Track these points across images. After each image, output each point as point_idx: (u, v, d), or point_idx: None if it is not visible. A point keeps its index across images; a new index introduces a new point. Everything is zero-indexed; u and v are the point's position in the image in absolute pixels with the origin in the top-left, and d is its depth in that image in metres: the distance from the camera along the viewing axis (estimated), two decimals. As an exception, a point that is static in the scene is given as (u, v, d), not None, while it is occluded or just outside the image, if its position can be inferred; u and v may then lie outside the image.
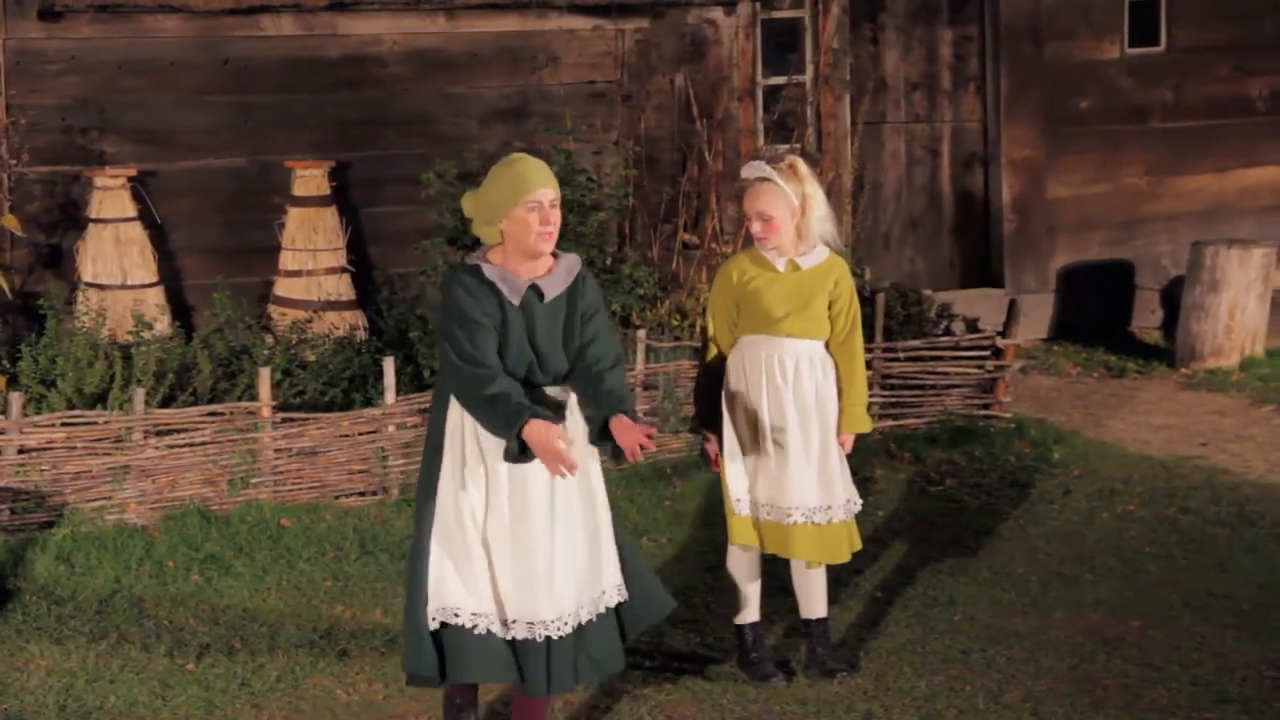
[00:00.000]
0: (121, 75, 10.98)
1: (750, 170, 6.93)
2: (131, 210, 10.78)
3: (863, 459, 9.66)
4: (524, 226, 5.82)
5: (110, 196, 10.73)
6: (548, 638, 5.84)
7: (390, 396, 9.45)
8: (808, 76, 12.55)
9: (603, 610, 5.99)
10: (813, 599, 7.12)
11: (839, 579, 7.79)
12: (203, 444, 9.12)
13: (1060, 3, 13.29)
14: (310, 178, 11.05)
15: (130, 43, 10.98)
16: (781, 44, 12.57)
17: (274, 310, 10.93)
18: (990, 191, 13.32)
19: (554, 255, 5.95)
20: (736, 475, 6.93)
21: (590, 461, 5.98)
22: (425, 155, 11.18)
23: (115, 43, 10.95)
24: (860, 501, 7.05)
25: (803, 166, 6.92)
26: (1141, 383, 12.17)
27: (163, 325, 10.43)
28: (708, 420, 7.05)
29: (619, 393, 5.87)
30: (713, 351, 7.03)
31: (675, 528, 9.04)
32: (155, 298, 10.72)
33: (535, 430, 5.66)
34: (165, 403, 9.55)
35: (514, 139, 11.68)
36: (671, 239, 11.80)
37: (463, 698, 6.08)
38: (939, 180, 13.31)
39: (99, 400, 9.49)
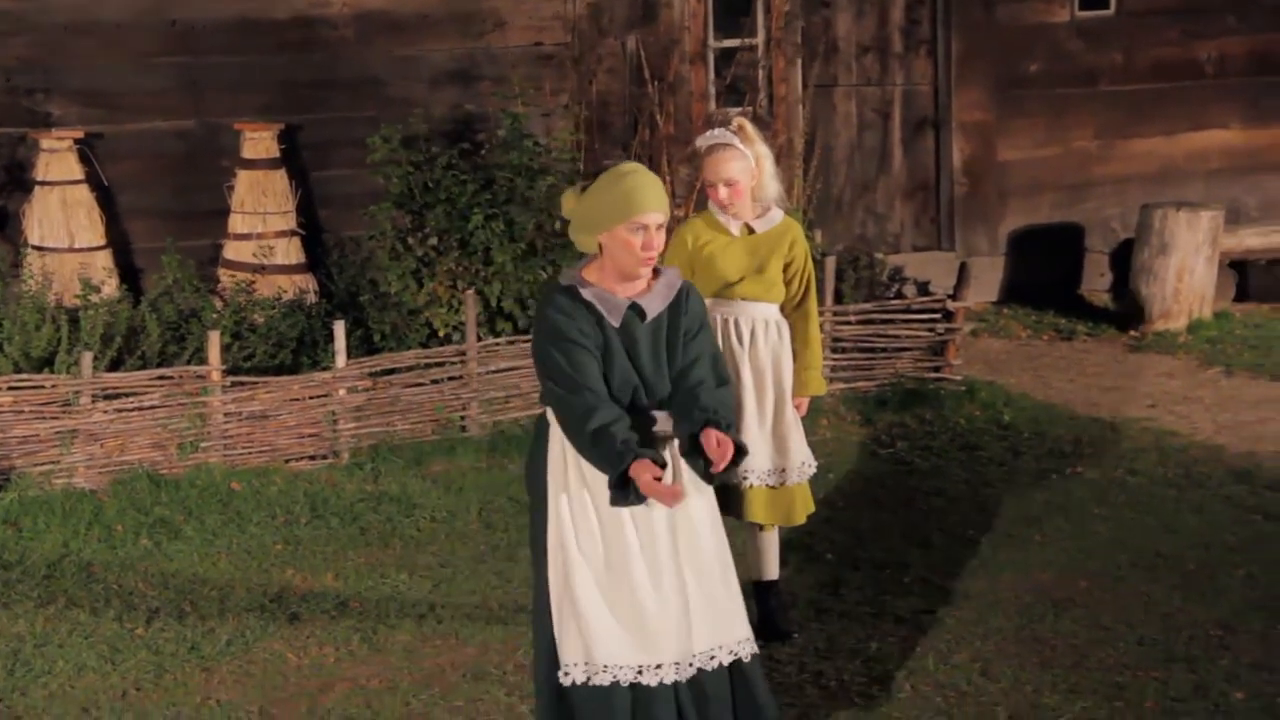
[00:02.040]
0: (68, 37, 10.89)
1: (709, 138, 6.91)
2: (78, 173, 10.71)
3: (814, 421, 9.68)
4: (626, 247, 5.33)
5: (57, 159, 10.66)
6: (692, 678, 5.42)
7: (341, 360, 9.42)
8: (759, 40, 12.53)
9: (750, 656, 5.53)
10: (765, 562, 7.13)
11: (790, 541, 7.81)
12: (151, 408, 9.08)
13: (1011, -35, 13.30)
14: (259, 140, 10.99)
15: (77, 4, 10.88)
16: (733, 7, 12.54)
17: (223, 274, 10.88)
18: (941, 155, 13.33)
19: (656, 272, 5.48)
20: None
21: (707, 505, 5.53)
22: (374, 118, 11.13)
23: (62, 4, 10.86)
24: (815, 464, 7.07)
25: (751, 127, 6.92)
26: (1091, 345, 12.21)
27: (110, 288, 10.37)
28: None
29: (713, 406, 5.36)
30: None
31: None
32: (103, 261, 10.66)
33: (641, 469, 5.16)
34: (113, 366, 9.50)
35: (463, 102, 11.64)
36: (623, 203, 11.75)
37: None
38: (890, 144, 13.32)
39: (46, 364, 9.43)
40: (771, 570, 7.14)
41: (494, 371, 9.81)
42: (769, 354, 6.93)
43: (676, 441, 5.43)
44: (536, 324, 5.42)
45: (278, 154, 11.03)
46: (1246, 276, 13.24)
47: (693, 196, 11.38)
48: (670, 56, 12.09)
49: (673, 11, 12.17)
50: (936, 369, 10.67)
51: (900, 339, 10.69)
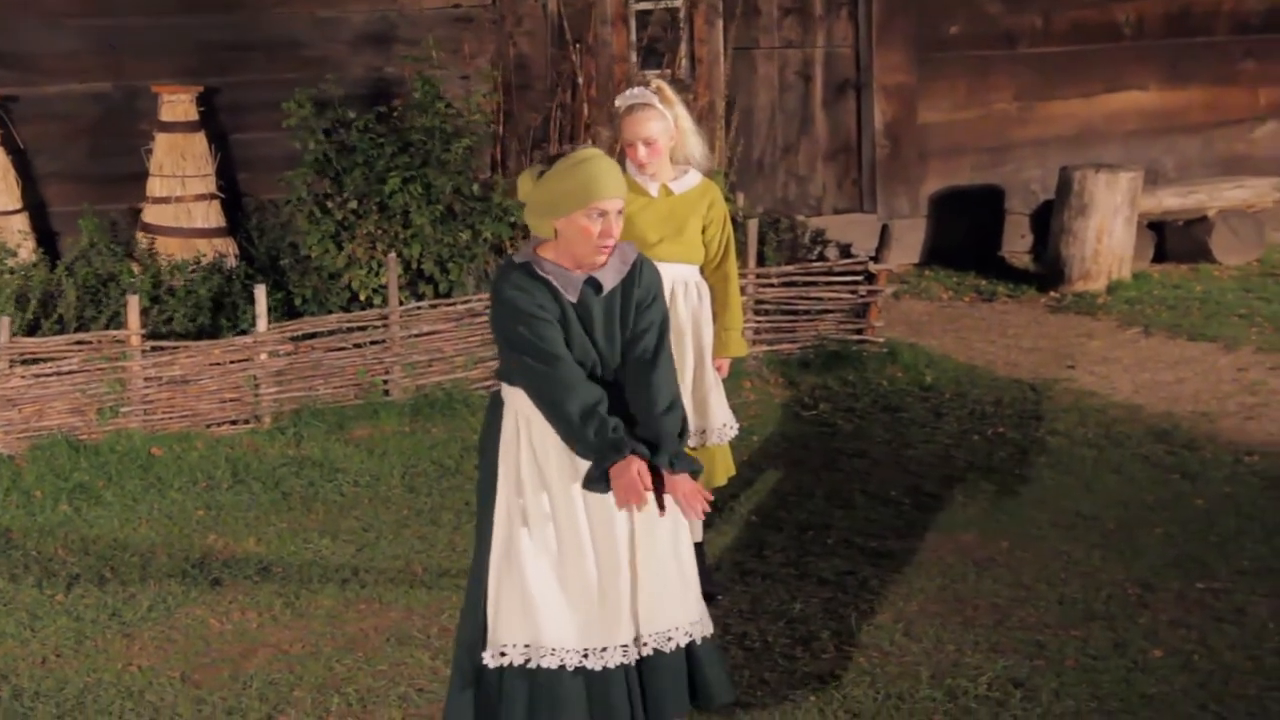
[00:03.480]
0: (-19, -2, 10.77)
1: (629, 97, 6.90)
2: (-7, 136, 10.60)
3: (737, 384, 9.70)
4: (583, 234, 5.25)
5: (-29, 122, 10.55)
6: (639, 662, 5.35)
7: (262, 324, 9.37)
8: (680, 1, 12.50)
9: (701, 638, 5.47)
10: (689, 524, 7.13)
11: (714, 503, 7.79)
12: (70, 373, 9.01)
13: (931, -73, 13.33)
14: (178, 103, 10.89)
15: (-10, -35, 10.76)
16: (653, -32, 12.52)
17: (142, 237, 10.79)
18: (862, 117, 13.35)
19: None
20: None
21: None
22: (293, 80, 11.04)
23: (-26, -35, 10.73)
24: (737, 426, 7.08)
25: (670, 89, 6.91)
26: (1011, 306, 12.28)
27: (26, 252, 10.27)
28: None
29: (668, 433, 5.26)
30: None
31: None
32: (18, 224, 10.55)
33: (623, 469, 5.15)
34: (30, 331, 9.41)
35: (382, 64, 11.56)
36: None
37: None
38: (811, 106, 13.32)
39: (-38, 329, 9.34)
40: (695, 532, 7.15)
41: (416, 335, 9.78)
42: (689, 315, 6.93)
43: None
44: (495, 304, 5.32)
45: (196, 117, 10.94)
46: (1164, 237, 13.34)
47: (613, 159, 11.34)
48: (590, 18, 12.05)
49: (593, -27, 12.13)
50: (859, 331, 10.70)
51: (823, 301, 10.72)
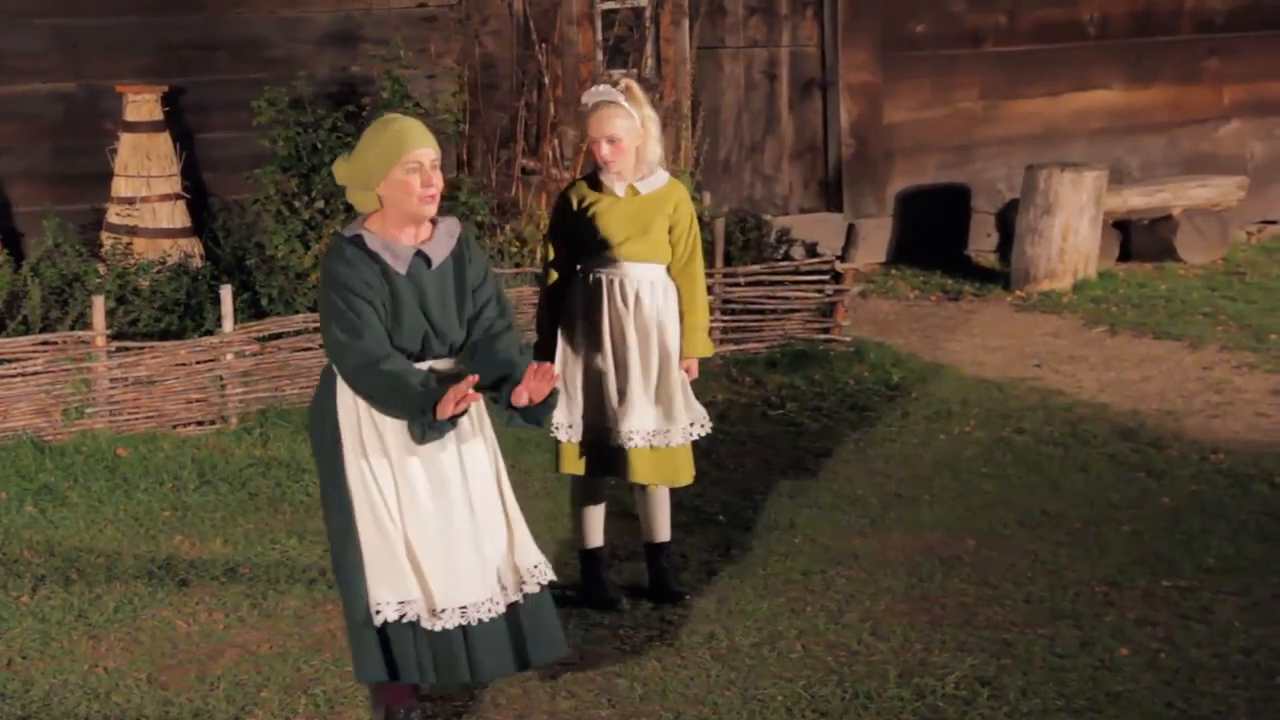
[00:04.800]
0: (-56, -3, 10.72)
1: (595, 95, 6.90)
2: (-44, 136, 10.55)
3: (704, 383, 9.70)
4: (404, 189, 5.42)
5: (-66, 122, 10.50)
6: (479, 621, 5.55)
7: (228, 324, 9.34)
8: (645, 1, 12.51)
9: (534, 590, 5.69)
10: (656, 524, 7.14)
11: (681, 503, 7.82)
12: (35, 374, 8.97)
13: (896, -74, 13.35)
14: (142, 103, 10.85)
15: (-48, -36, 10.71)
16: (620, -32, 12.52)
17: (107, 238, 10.75)
18: (828, 116, 13.36)
19: (432, 221, 5.58)
20: (561, 401, 6.92)
21: (487, 444, 5.70)
22: (259, 80, 11.01)
23: (-64, -36, 10.69)
24: (709, 425, 7.07)
25: (638, 89, 6.92)
26: (978, 305, 12.31)
27: (-10, 253, 10.24)
28: (549, 348, 7.03)
29: (515, 361, 5.52)
30: (553, 277, 7.01)
31: (518, 455, 9.01)
32: (-18, 225, 10.52)
33: (445, 407, 5.32)
34: (-5, 332, 9.38)
35: (347, 64, 11.54)
36: (510, 165, 11.73)
37: (405, 704, 5.72)
38: (777, 105, 13.34)
39: (-74, 330, 9.31)
40: (662, 532, 7.16)
41: (382, 335, 9.74)
42: (654, 314, 6.93)
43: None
44: (321, 276, 5.50)
45: (161, 116, 10.90)
46: (1129, 236, 13.38)
47: (579, 158, 11.36)
48: (556, 18, 12.04)
49: (559, -28, 12.12)
50: (825, 330, 10.72)
51: (789, 301, 10.73)
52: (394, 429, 5.48)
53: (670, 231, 6.96)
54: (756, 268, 10.78)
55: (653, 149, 6.92)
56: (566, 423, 6.96)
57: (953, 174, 13.63)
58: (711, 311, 9.65)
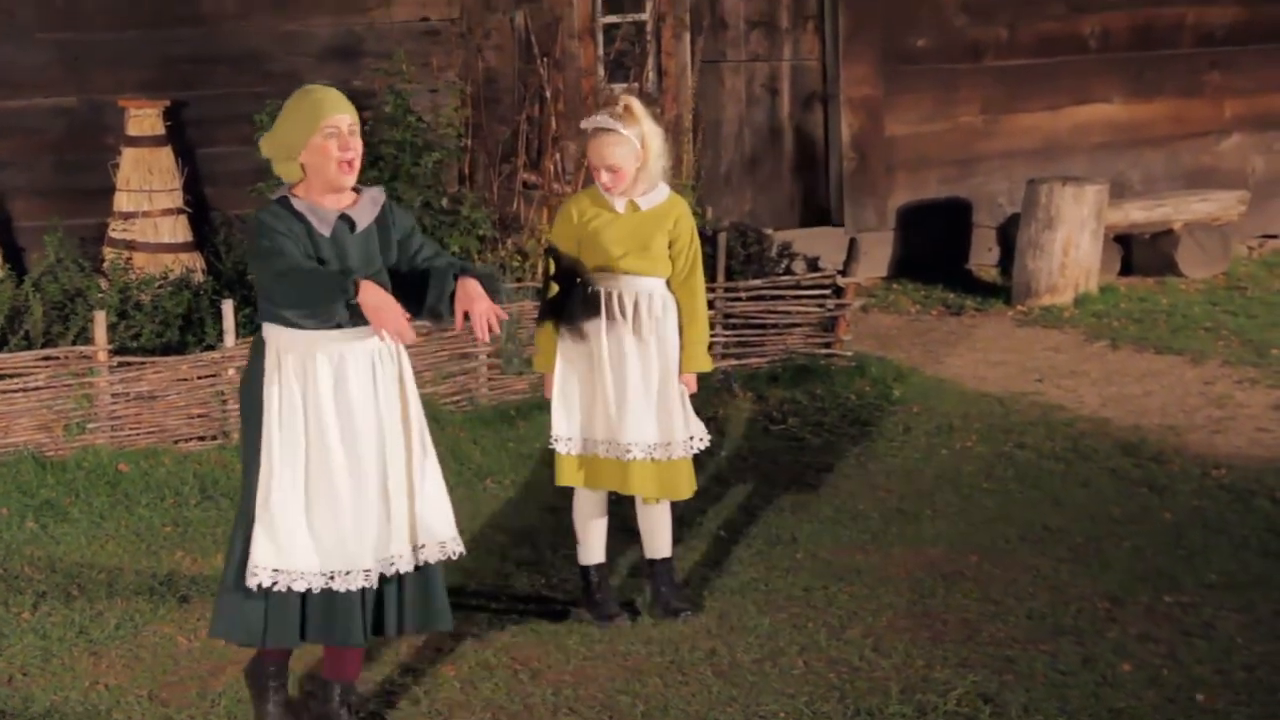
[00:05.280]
0: (-54, 12, 10.73)
1: (593, 122, 6.91)
2: (-42, 151, 10.56)
3: (705, 398, 9.70)
4: (323, 155, 5.68)
5: (-64, 137, 10.50)
6: (379, 580, 5.78)
7: (230, 339, 9.34)
8: (647, 15, 12.52)
9: (440, 557, 5.90)
10: (657, 539, 7.14)
11: (682, 518, 7.82)
12: (36, 389, 8.97)
13: (897, -60, 13.36)
14: (144, 117, 10.86)
15: (-47, -22, 10.73)
16: (621, -18, 12.53)
17: (109, 252, 10.75)
18: (829, 130, 13.37)
19: (356, 191, 5.80)
20: (561, 414, 6.94)
21: (412, 414, 5.87)
22: (260, 94, 11.02)
23: (-63, -22, 10.70)
24: (708, 438, 7.06)
25: (638, 106, 6.91)
26: (979, 320, 12.31)
27: (-8, 268, 10.24)
28: (550, 361, 7.03)
29: (457, 261, 5.82)
30: (553, 290, 7.01)
31: (519, 469, 9.03)
32: (-16, 240, 10.52)
33: (369, 290, 5.54)
34: (-4, 347, 9.37)
35: (349, 77, 11.55)
36: (511, 179, 11.74)
37: (276, 664, 6.01)
38: (778, 119, 13.35)
39: (-73, 345, 9.30)
40: (663, 548, 7.15)
41: (384, 350, 9.74)
42: (652, 327, 6.94)
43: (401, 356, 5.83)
44: (250, 238, 5.71)
45: (163, 131, 10.91)
46: (1130, 250, 13.39)
47: (581, 173, 11.36)
48: (558, 32, 12.06)
49: (560, -14, 12.13)
50: (827, 345, 10.72)
51: (791, 315, 10.73)
52: (313, 399, 5.69)
53: (670, 246, 6.97)
54: (757, 282, 10.78)
55: (654, 165, 6.92)
56: (566, 435, 6.96)
57: (954, 188, 13.63)
58: (712, 326, 9.67)
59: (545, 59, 11.88)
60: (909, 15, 13.39)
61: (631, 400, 6.90)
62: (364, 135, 10.54)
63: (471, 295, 5.70)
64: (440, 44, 11.77)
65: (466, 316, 5.72)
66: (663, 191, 6.98)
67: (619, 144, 6.83)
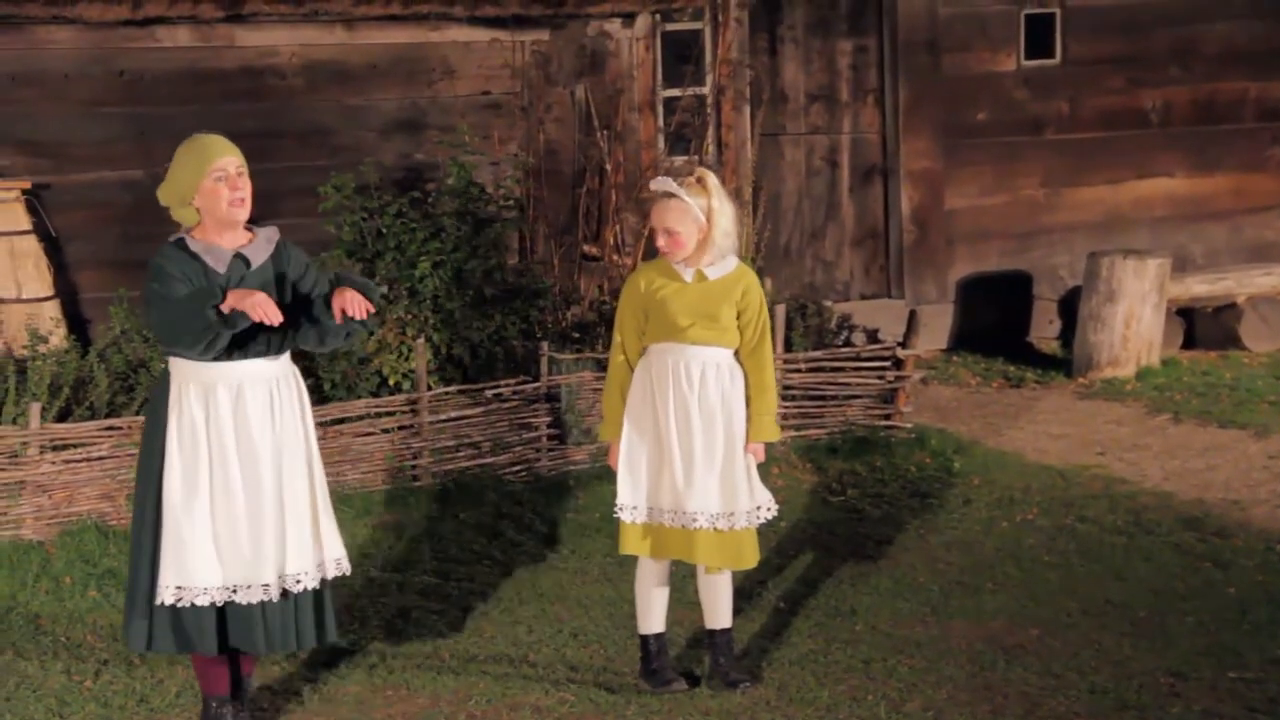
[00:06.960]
0: (14, 87, 10.87)
1: (656, 185, 6.95)
2: (26, 223, 10.67)
3: (765, 469, 9.68)
4: (215, 196, 6.09)
5: (4, 209, 10.62)
6: (277, 598, 6.13)
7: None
8: (707, 88, 12.58)
9: (337, 573, 6.29)
10: (717, 610, 7.12)
11: (741, 590, 7.80)
12: (100, 459, 9.03)
13: (957, 15, 13.40)
14: (208, 190, 10.94)
15: (22, 54, 10.86)
16: (682, 55, 12.59)
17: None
18: (889, 203, 13.40)
19: (250, 230, 6.20)
20: (627, 483, 6.94)
21: (304, 442, 6.25)
22: (324, 167, 11.12)
23: (6, 54, 10.83)
24: (775, 508, 7.04)
25: (712, 179, 6.93)
26: (1040, 392, 12.27)
27: (58, 339, 10.32)
28: (616, 429, 7.04)
29: (341, 275, 6.24)
30: (620, 359, 7.04)
31: (578, 539, 9.03)
32: (51, 311, 10.61)
33: (233, 293, 5.92)
34: (61, 417, 9.44)
35: (412, 151, 11.65)
36: (571, 251, 11.79)
37: (218, 699, 6.36)
38: (838, 191, 13.38)
39: (-7, 415, 9.38)
40: (724, 618, 7.13)
41: (445, 420, 9.79)
42: (719, 396, 6.94)
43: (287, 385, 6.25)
44: (146, 276, 6.07)
45: (227, 203, 10.98)
46: (1193, 324, 13.34)
47: (640, 244, 11.41)
48: (618, 105, 12.13)
49: (620, 60, 12.21)
50: (887, 416, 10.70)
51: (850, 387, 10.72)
52: (215, 425, 6.04)
53: (739, 317, 6.98)
54: (817, 353, 10.78)
55: (721, 241, 6.93)
56: (631, 504, 6.96)
57: (1015, 261, 13.63)
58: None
59: (605, 132, 11.95)
60: (969, 89, 13.42)
61: (697, 469, 6.89)
62: (428, 207, 10.72)
63: (343, 292, 6.12)
64: (502, 117, 11.86)
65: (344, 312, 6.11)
66: (731, 262, 6.99)
67: (679, 209, 6.86)
